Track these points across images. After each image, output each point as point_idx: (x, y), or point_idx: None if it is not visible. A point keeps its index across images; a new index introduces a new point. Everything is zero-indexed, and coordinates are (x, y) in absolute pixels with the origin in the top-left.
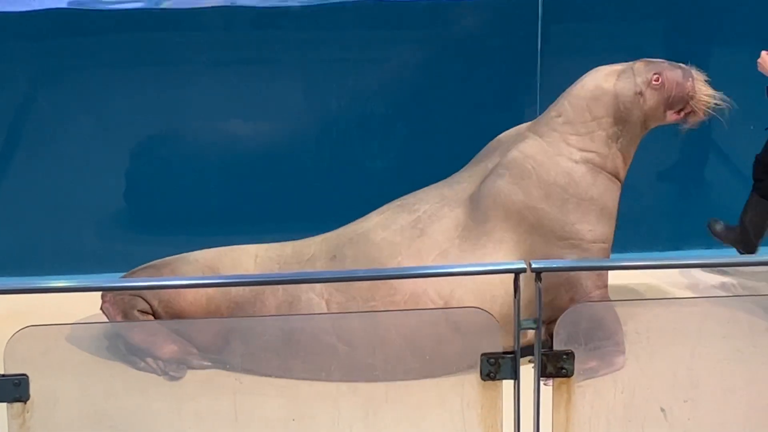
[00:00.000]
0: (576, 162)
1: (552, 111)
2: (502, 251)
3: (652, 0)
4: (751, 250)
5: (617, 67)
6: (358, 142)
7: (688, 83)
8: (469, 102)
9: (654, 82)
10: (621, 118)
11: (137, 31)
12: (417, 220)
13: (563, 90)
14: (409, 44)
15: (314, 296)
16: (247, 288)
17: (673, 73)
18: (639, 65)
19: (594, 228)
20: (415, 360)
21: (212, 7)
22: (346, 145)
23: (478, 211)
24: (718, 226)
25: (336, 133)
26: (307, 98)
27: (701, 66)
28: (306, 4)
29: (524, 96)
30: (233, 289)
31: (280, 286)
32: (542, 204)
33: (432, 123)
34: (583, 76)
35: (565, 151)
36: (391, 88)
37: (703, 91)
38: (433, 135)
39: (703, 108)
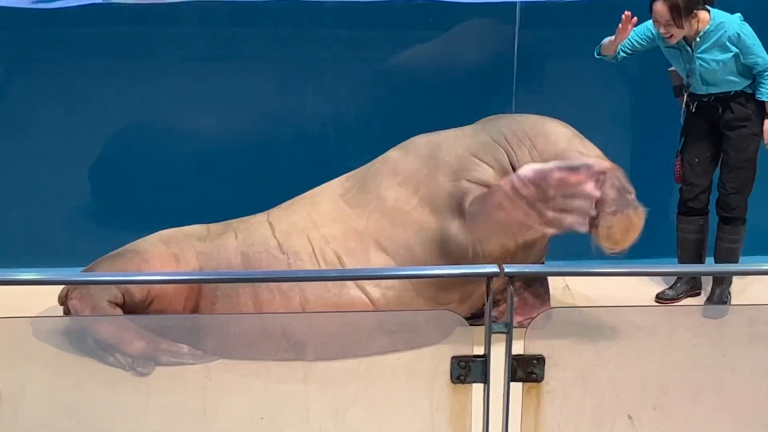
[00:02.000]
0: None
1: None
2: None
3: (623, 7)
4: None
5: None
6: (332, 140)
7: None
8: (445, 103)
9: None
10: None
11: (109, 25)
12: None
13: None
14: (388, 45)
15: (270, 234)
16: (211, 240)
17: None
18: None
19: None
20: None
21: (188, 1)
22: (320, 143)
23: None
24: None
25: (311, 131)
26: (284, 96)
27: None
28: (286, 1)
29: (500, 97)
30: (199, 243)
31: (240, 233)
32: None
33: (409, 123)
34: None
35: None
36: (369, 87)
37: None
38: (410, 134)
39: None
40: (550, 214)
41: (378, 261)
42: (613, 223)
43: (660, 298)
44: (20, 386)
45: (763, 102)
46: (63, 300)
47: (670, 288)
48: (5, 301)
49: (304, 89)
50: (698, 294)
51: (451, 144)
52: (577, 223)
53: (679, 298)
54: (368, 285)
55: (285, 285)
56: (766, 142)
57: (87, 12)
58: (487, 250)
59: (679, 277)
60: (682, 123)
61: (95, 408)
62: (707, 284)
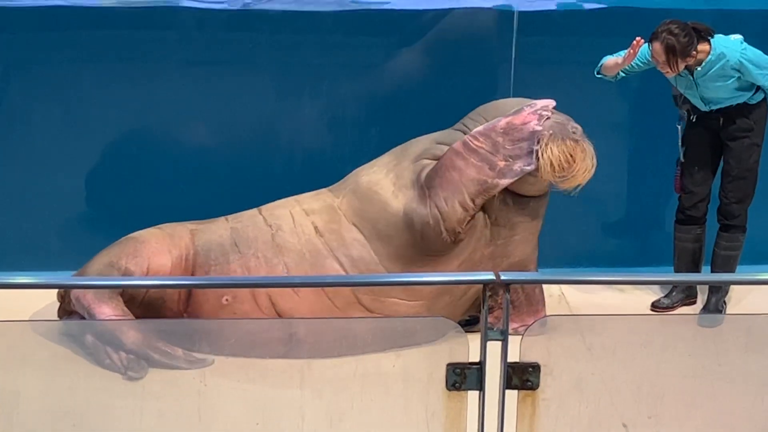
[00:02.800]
0: None
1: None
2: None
3: (619, 15)
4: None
5: None
6: (329, 147)
7: None
8: (442, 109)
9: None
10: None
11: (105, 28)
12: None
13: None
14: (385, 53)
15: (257, 213)
16: (203, 224)
17: None
18: None
19: None
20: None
21: (186, 7)
22: (317, 150)
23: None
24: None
25: (308, 137)
26: (281, 102)
27: None
28: (284, 8)
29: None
30: (191, 224)
31: (230, 217)
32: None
33: (405, 130)
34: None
35: None
36: (365, 95)
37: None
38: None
39: None
40: (501, 163)
41: (349, 235)
42: (553, 150)
43: (655, 306)
44: (15, 389)
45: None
46: (62, 294)
47: (666, 296)
48: (0, 304)
49: (302, 96)
50: (694, 303)
51: (420, 139)
52: (525, 164)
53: (674, 307)
54: (343, 258)
55: (270, 254)
56: None
57: (84, 14)
58: (445, 213)
59: (675, 285)
60: (681, 132)
61: (90, 412)
62: (703, 293)
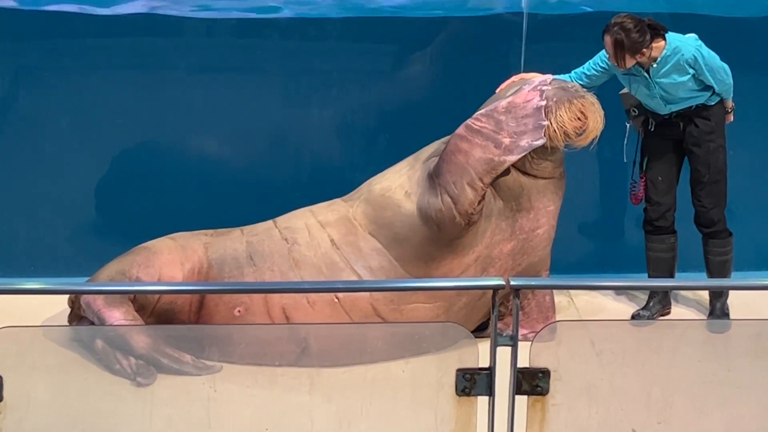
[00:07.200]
0: None
1: None
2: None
3: None
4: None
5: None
6: (338, 155)
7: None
8: (451, 116)
9: None
10: None
11: (115, 36)
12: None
13: None
14: (397, 58)
15: (272, 226)
16: (217, 236)
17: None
18: None
19: None
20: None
21: (195, 18)
22: (327, 156)
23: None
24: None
25: (319, 145)
26: (290, 110)
27: None
28: (293, 16)
29: None
30: (205, 237)
31: (245, 229)
32: None
33: (415, 136)
34: None
35: None
36: (375, 101)
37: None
38: (417, 147)
39: None
40: (507, 140)
41: (366, 245)
42: (563, 116)
43: (635, 319)
44: (25, 395)
45: (724, 109)
46: (73, 299)
47: (644, 309)
48: (11, 310)
49: (313, 104)
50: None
51: (431, 144)
52: (533, 139)
53: (654, 318)
54: (361, 270)
55: (285, 267)
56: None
57: (92, 21)
58: (456, 196)
59: (651, 296)
60: (636, 144)
61: (100, 417)
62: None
